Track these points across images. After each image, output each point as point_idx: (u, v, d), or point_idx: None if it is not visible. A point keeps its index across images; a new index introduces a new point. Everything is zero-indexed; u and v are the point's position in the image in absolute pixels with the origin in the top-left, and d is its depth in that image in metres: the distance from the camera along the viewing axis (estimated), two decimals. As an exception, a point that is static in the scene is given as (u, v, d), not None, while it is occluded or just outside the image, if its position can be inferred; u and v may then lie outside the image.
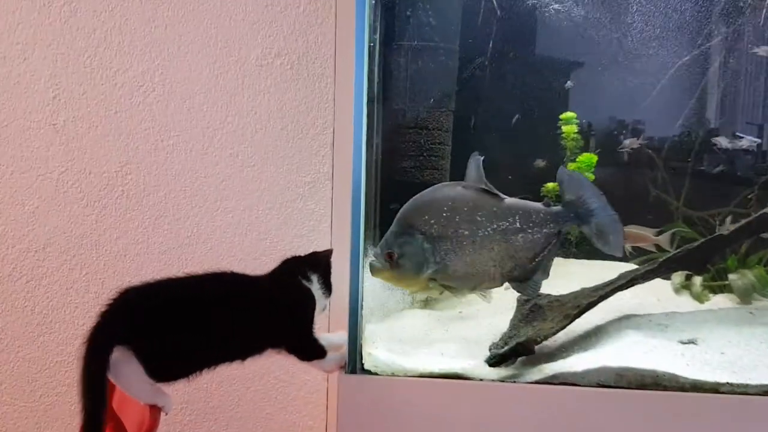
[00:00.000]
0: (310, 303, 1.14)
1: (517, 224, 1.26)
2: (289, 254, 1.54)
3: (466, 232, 1.25)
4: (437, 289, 1.27)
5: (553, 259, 1.30)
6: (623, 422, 1.20)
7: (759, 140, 1.65)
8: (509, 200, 1.28)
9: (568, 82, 1.64)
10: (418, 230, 1.25)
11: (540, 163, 1.61)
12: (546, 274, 1.30)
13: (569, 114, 1.61)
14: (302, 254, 1.21)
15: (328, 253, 1.21)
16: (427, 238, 1.25)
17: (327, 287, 1.18)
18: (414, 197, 1.29)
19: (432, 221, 1.25)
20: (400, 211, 1.28)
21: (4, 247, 1.59)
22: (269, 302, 1.11)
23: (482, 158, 1.28)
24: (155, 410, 1.03)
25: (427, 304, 1.63)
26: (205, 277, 1.08)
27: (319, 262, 1.19)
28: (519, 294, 1.35)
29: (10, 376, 1.64)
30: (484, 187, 1.26)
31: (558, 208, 1.29)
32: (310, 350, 1.15)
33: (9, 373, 1.64)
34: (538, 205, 1.29)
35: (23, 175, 1.58)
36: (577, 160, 1.55)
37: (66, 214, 1.59)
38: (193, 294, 1.06)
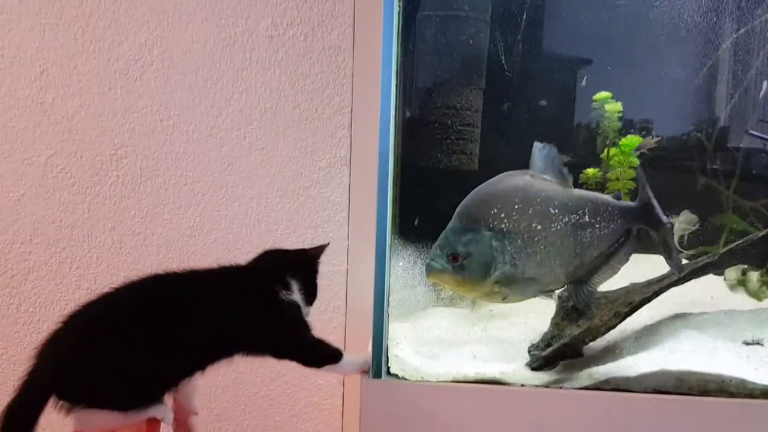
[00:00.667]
0: (293, 309, 1.01)
1: (586, 218, 1.12)
2: (299, 246, 1.42)
3: (539, 227, 1.09)
4: (501, 293, 1.11)
5: (618, 267, 1.16)
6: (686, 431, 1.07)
7: None
8: (577, 191, 1.14)
9: (585, 79, 1.50)
10: (485, 226, 1.08)
11: (564, 158, 1.47)
12: (605, 278, 1.16)
13: (604, 94, 1.47)
14: (286, 249, 1.09)
15: (315, 253, 1.07)
16: (496, 234, 1.08)
17: (309, 295, 1.03)
18: (476, 189, 1.12)
19: (502, 215, 1.08)
20: (461, 204, 1.11)
21: (-14, 239, 1.46)
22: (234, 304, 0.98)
23: (554, 148, 1.13)
24: (153, 421, 0.95)
25: (452, 301, 1.49)
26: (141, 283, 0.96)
27: (302, 265, 1.05)
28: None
29: (-6, 381, 1.50)
30: (548, 177, 1.11)
31: (629, 203, 1.15)
32: (315, 354, 1.01)
33: (-8, 377, 1.50)
34: (608, 197, 1.15)
35: (7, 159, 1.44)
36: (620, 143, 1.41)
37: (55, 202, 1.45)
38: (125, 309, 0.93)
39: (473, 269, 1.07)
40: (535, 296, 1.18)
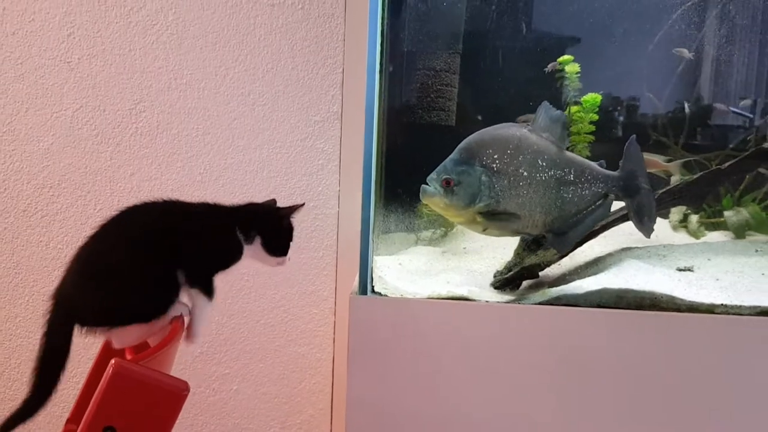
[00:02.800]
0: (232, 252, 1.07)
1: (571, 177, 1.30)
2: (296, 193, 1.59)
3: (525, 173, 1.27)
4: (481, 224, 1.30)
5: (594, 224, 1.34)
6: (622, 340, 1.26)
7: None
8: (568, 153, 1.31)
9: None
10: (480, 162, 1.26)
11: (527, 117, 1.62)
12: (582, 235, 1.34)
13: (566, 57, 1.64)
14: (262, 203, 1.13)
15: (287, 212, 1.11)
16: (487, 171, 1.26)
17: (273, 249, 1.09)
18: (480, 131, 1.30)
19: (495, 156, 1.26)
20: (464, 140, 1.29)
21: (19, 184, 1.63)
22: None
23: (557, 111, 1.30)
24: (177, 319, 1.04)
25: (431, 242, 1.68)
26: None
27: (271, 220, 1.10)
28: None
29: (26, 310, 1.68)
30: (548, 135, 1.29)
31: (611, 172, 1.33)
32: (209, 286, 1.05)
33: (24, 306, 1.68)
34: (593, 164, 1.33)
35: (38, 112, 1.61)
36: (582, 100, 1.59)
37: (80, 151, 1.63)
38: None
39: (461, 196, 1.26)
40: (512, 235, 1.37)
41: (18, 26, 1.58)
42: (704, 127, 1.77)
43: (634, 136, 1.35)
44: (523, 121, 1.52)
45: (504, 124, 1.33)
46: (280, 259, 1.10)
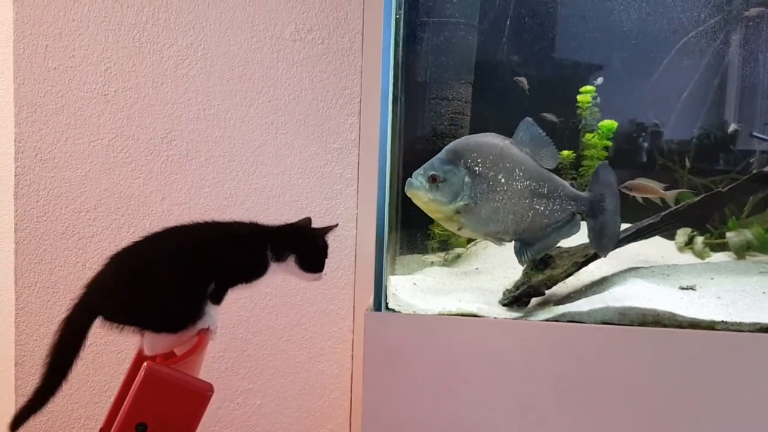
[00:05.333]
0: (257, 268, 1.15)
1: (545, 190, 1.37)
2: (317, 216, 1.68)
3: (503, 180, 1.35)
4: (458, 223, 1.37)
5: (559, 240, 1.41)
6: (625, 355, 1.31)
7: None
8: (544, 169, 1.39)
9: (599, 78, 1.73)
10: (464, 164, 1.35)
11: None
12: (547, 249, 1.42)
13: (588, 87, 1.72)
14: (298, 223, 1.21)
15: (318, 232, 1.19)
16: (470, 172, 1.34)
17: (310, 265, 1.16)
18: (467, 136, 1.41)
19: (479, 159, 1.35)
20: (452, 143, 1.38)
21: (58, 208, 1.74)
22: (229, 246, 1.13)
23: (536, 127, 1.38)
24: (203, 330, 1.11)
25: (445, 263, 1.75)
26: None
27: (303, 240, 1.18)
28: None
29: (62, 327, 1.78)
30: (527, 150, 1.37)
31: (581, 192, 1.40)
32: (222, 296, 1.13)
33: (61, 324, 1.77)
34: (566, 182, 1.41)
35: (76, 141, 1.72)
36: (599, 125, 1.66)
37: (115, 177, 1.73)
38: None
39: (444, 192, 1.34)
40: (484, 238, 1.44)
41: (59, 62, 1.70)
42: (721, 152, 1.83)
43: (606, 162, 1.43)
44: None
45: (488, 133, 1.41)
46: (316, 275, 1.18)
